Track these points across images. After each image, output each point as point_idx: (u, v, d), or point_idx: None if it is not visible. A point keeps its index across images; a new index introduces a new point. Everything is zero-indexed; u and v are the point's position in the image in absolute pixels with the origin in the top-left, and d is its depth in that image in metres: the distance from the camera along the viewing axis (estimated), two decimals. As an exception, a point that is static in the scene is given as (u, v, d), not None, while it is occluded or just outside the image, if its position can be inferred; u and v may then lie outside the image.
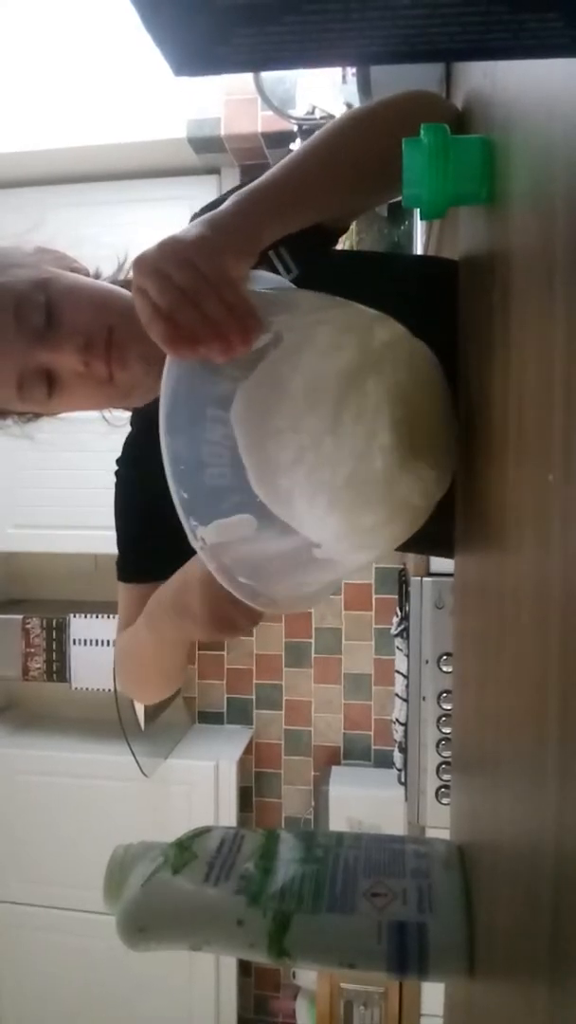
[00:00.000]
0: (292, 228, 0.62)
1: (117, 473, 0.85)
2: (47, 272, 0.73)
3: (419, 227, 1.44)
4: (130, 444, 0.85)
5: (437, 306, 0.62)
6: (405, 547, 1.20)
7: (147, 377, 0.78)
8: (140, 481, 0.83)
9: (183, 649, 0.75)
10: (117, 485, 0.85)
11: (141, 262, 0.51)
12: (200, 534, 0.44)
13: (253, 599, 0.48)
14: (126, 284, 0.86)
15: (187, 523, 0.45)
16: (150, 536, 0.80)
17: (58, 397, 0.72)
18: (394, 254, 1.60)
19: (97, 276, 0.85)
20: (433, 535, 0.55)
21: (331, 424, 0.45)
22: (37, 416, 0.82)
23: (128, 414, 0.88)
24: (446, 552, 0.66)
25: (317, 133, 0.65)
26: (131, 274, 0.88)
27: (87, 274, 0.82)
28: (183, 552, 0.60)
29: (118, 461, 0.86)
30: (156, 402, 0.79)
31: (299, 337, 0.48)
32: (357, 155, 0.66)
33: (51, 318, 0.69)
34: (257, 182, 0.60)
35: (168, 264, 0.50)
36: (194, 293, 0.49)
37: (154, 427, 0.82)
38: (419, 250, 1.42)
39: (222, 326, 0.48)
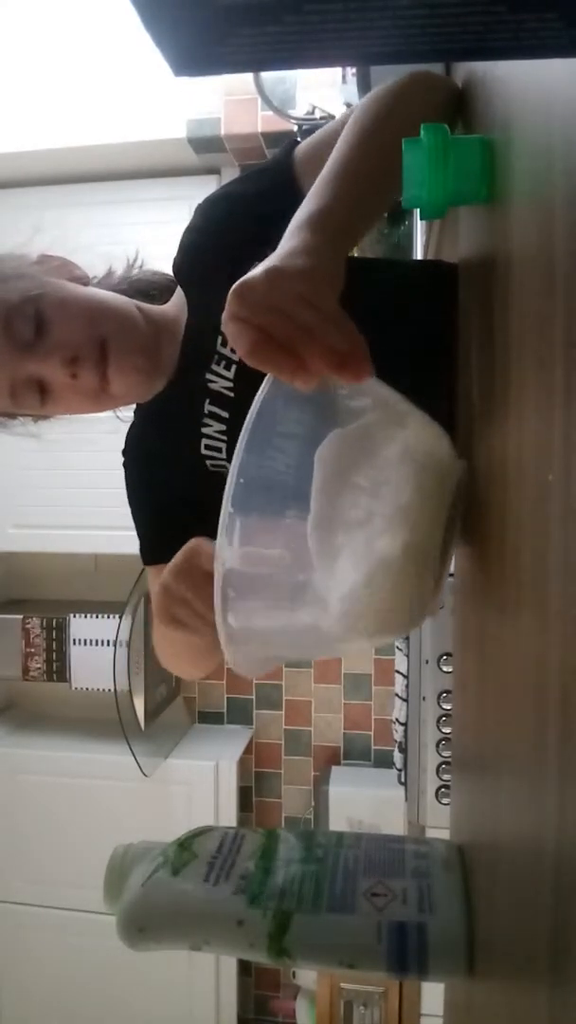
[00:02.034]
0: (357, 243, 0.61)
1: (125, 465, 0.88)
2: (42, 285, 0.74)
3: (419, 227, 1.44)
4: (134, 435, 0.88)
5: (437, 311, 0.63)
6: None
7: (147, 385, 0.79)
8: (147, 469, 0.86)
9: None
10: (126, 476, 0.88)
11: (251, 296, 0.46)
12: (226, 554, 0.43)
13: (224, 619, 0.47)
14: (136, 283, 0.87)
15: (224, 536, 0.43)
16: (163, 519, 0.83)
17: (51, 404, 0.75)
18: (394, 260, 1.60)
19: (110, 275, 0.86)
20: None
21: (406, 506, 0.45)
22: (46, 416, 0.83)
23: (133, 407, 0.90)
24: None
25: (349, 136, 0.62)
26: (137, 271, 0.88)
27: (88, 282, 0.83)
28: (195, 531, 0.62)
29: (124, 452, 0.88)
30: (166, 397, 0.81)
31: (397, 413, 0.47)
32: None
33: (40, 330, 0.71)
34: (323, 200, 0.56)
35: (286, 302, 0.45)
36: (321, 335, 0.44)
37: (155, 418, 0.84)
38: (419, 250, 1.42)
39: (348, 356, 0.44)
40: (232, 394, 0.77)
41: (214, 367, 0.76)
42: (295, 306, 0.45)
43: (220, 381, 0.76)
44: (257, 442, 0.43)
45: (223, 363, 0.76)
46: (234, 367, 0.76)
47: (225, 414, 0.77)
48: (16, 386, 0.73)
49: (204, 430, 0.78)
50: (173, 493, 0.84)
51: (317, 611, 0.45)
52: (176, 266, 0.82)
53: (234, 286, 0.46)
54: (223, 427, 0.78)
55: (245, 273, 0.47)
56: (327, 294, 0.47)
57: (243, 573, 0.44)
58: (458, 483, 0.47)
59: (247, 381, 0.74)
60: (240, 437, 0.42)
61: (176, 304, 0.83)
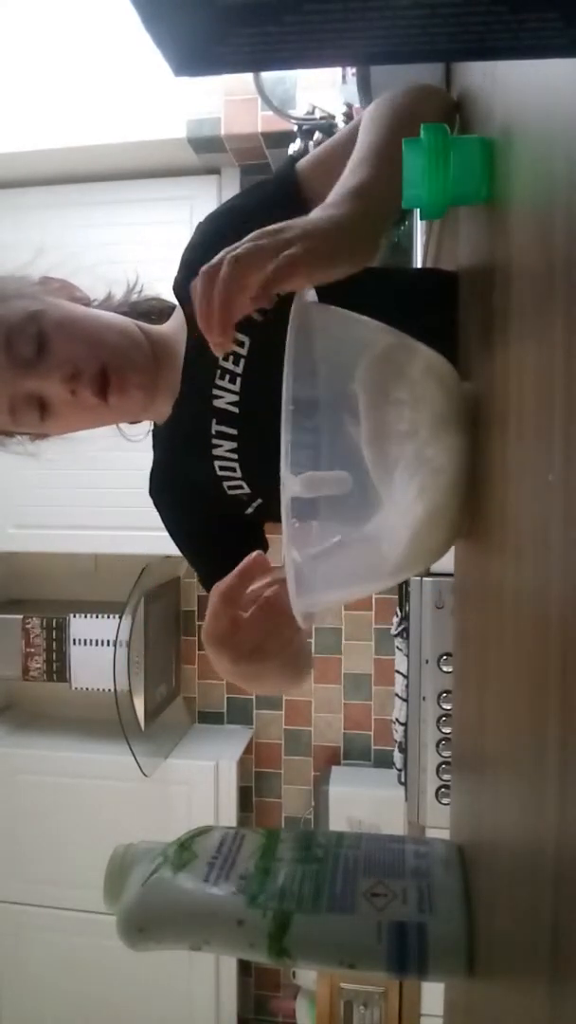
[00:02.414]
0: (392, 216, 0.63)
1: (156, 505, 0.88)
2: (43, 304, 0.75)
3: (419, 227, 1.44)
4: (156, 472, 0.87)
5: (438, 319, 0.62)
6: None
7: (147, 403, 0.79)
8: (176, 502, 0.86)
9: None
10: (161, 515, 0.88)
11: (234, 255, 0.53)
12: (289, 483, 0.44)
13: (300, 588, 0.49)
14: (137, 305, 0.87)
15: (285, 468, 0.45)
16: (211, 547, 0.83)
17: (51, 421, 0.75)
18: (393, 269, 1.61)
19: (110, 298, 0.86)
20: None
21: (442, 414, 0.46)
22: (44, 435, 0.84)
23: (142, 428, 0.89)
24: None
25: (372, 126, 0.64)
26: (137, 295, 0.89)
27: (89, 303, 0.83)
28: (244, 547, 0.62)
29: (151, 492, 0.88)
30: (175, 423, 0.81)
31: (404, 339, 0.50)
32: None
33: (41, 348, 0.72)
34: (360, 176, 0.59)
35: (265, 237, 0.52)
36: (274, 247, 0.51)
37: (169, 446, 0.84)
38: (419, 250, 1.42)
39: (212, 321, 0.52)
40: (237, 410, 0.76)
41: (219, 382, 0.76)
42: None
43: (226, 396, 0.76)
44: (301, 367, 0.44)
45: (227, 377, 0.76)
46: (239, 380, 0.76)
47: (233, 431, 0.77)
48: (16, 403, 0.73)
49: (215, 451, 0.78)
50: (208, 519, 0.84)
51: (380, 530, 0.47)
52: (176, 284, 0.83)
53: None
54: (233, 445, 0.77)
55: None
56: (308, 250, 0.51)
57: (306, 501, 0.46)
58: (467, 399, 0.48)
59: (253, 393, 0.74)
60: (284, 367, 0.42)
61: (176, 323, 0.84)
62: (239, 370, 0.76)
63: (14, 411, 0.74)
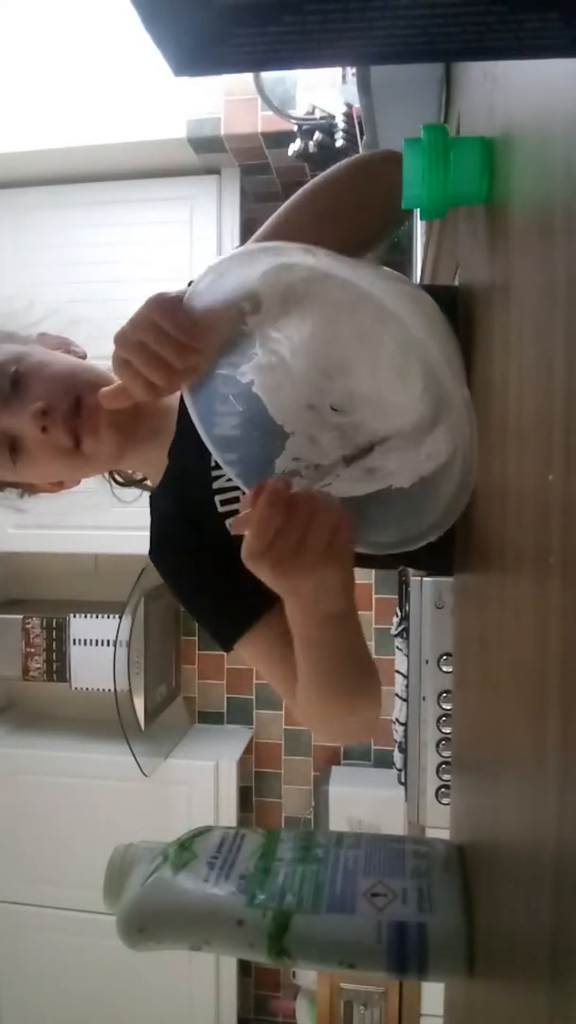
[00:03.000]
0: None
1: (160, 570, 0.82)
2: (29, 349, 0.75)
3: (419, 227, 1.44)
4: (157, 532, 0.82)
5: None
6: (403, 561, 1.17)
7: (122, 446, 0.75)
8: (180, 555, 0.80)
9: (343, 633, 0.65)
10: (165, 574, 0.81)
11: (119, 337, 0.59)
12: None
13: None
14: None
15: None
16: (222, 595, 0.76)
17: (24, 463, 0.73)
18: None
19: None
20: (434, 553, 0.55)
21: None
22: (31, 491, 0.83)
23: (136, 492, 0.88)
24: (444, 569, 0.66)
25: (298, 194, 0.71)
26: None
27: (85, 357, 0.82)
28: (259, 584, 0.58)
29: (151, 554, 0.82)
30: (171, 471, 0.78)
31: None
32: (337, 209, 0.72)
33: (16, 386, 0.71)
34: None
35: (142, 332, 0.58)
36: (164, 353, 0.57)
37: (168, 496, 0.80)
38: (419, 250, 1.42)
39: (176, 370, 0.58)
40: (238, 432, 0.70)
41: (219, 408, 0.73)
42: (147, 334, 0.57)
43: (228, 420, 0.70)
44: None
45: (228, 421, 0.73)
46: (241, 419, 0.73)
47: (234, 456, 0.71)
48: None
49: (216, 484, 0.74)
50: (214, 571, 0.76)
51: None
52: None
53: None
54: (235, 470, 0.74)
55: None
56: (176, 315, 0.57)
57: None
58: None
59: (257, 428, 0.72)
60: None
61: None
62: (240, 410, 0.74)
63: None
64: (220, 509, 0.73)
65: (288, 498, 0.51)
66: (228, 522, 0.71)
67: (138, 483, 0.90)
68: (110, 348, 0.83)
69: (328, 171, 0.73)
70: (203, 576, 0.77)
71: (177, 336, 0.56)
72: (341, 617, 0.59)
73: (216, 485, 0.74)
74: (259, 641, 0.74)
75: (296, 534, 0.50)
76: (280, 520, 0.50)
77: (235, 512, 0.70)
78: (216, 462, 0.72)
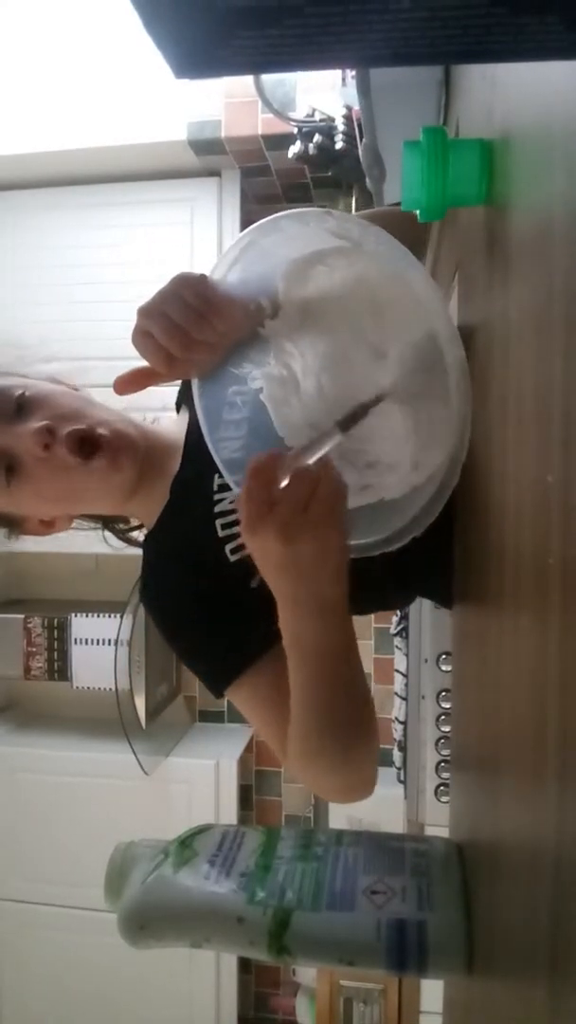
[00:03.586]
0: None
1: (149, 611, 0.78)
2: (39, 382, 0.74)
3: (419, 227, 1.44)
4: (152, 569, 0.79)
5: None
6: (402, 600, 1.14)
7: (132, 485, 0.74)
8: (178, 594, 0.75)
9: (339, 660, 0.60)
10: (157, 616, 0.77)
11: (142, 309, 0.59)
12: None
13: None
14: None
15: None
16: (220, 629, 0.72)
17: (18, 484, 0.71)
18: None
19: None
20: (434, 583, 0.55)
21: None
22: (21, 531, 0.82)
23: (126, 536, 0.87)
24: (445, 602, 0.65)
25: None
26: (156, 420, 0.86)
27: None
28: (253, 616, 0.58)
29: (142, 595, 0.79)
30: (168, 518, 0.76)
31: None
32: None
33: (21, 409, 0.70)
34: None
35: (164, 303, 0.58)
36: (183, 321, 0.57)
37: (167, 533, 0.77)
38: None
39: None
40: (241, 455, 0.68)
41: (223, 434, 0.69)
42: (171, 306, 0.57)
43: (230, 444, 0.68)
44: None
45: (232, 427, 0.68)
46: (245, 425, 0.68)
47: (236, 478, 0.68)
48: None
49: (217, 508, 0.71)
50: (209, 607, 0.72)
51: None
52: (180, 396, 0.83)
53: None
54: (237, 491, 0.68)
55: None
56: (200, 288, 0.58)
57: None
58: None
59: (261, 431, 0.70)
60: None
61: (177, 425, 0.80)
62: (243, 415, 0.73)
63: None
64: (221, 533, 0.70)
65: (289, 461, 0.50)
66: (231, 502, 0.70)
67: (132, 540, 0.88)
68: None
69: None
70: (198, 617, 0.73)
71: (197, 305, 0.57)
72: (338, 610, 0.55)
73: (218, 508, 0.71)
74: (253, 687, 0.69)
75: (304, 490, 0.48)
76: (283, 480, 0.49)
77: (236, 536, 0.69)
78: (219, 486, 0.71)
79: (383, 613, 2.26)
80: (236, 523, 0.69)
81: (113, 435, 0.72)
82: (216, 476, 0.69)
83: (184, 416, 0.80)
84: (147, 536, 0.80)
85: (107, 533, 0.89)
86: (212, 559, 0.70)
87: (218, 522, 0.71)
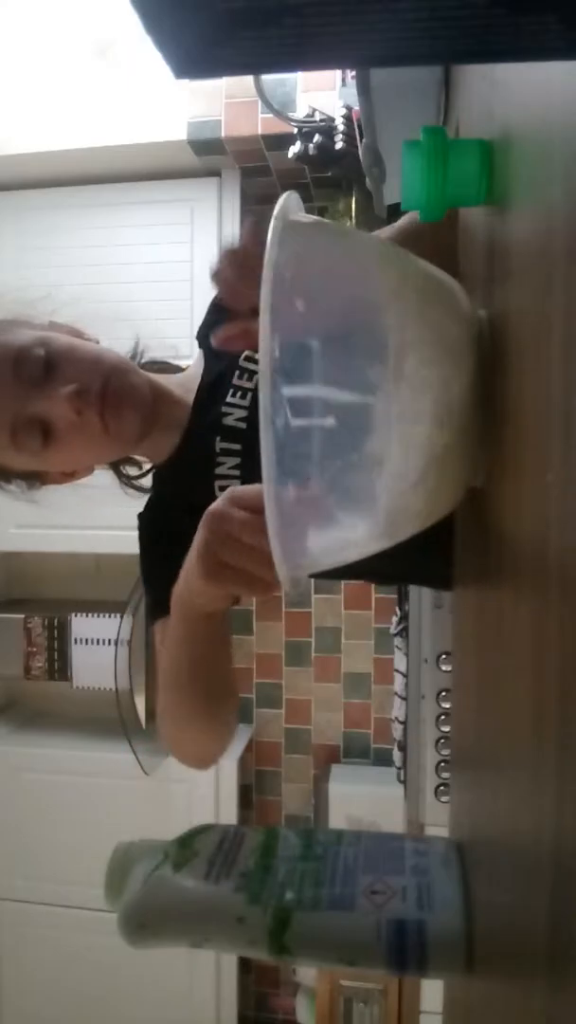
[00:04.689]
0: None
1: (140, 527, 0.85)
2: (51, 334, 0.75)
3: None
4: (153, 505, 0.85)
5: None
6: (403, 578, 1.16)
7: (143, 431, 0.78)
8: (166, 525, 0.80)
9: (214, 644, 0.65)
10: (144, 533, 0.84)
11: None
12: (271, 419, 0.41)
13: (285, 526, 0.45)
14: (141, 367, 0.87)
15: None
16: (177, 564, 0.73)
17: (53, 448, 0.73)
18: None
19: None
20: (431, 567, 0.55)
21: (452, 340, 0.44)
22: (42, 482, 0.83)
23: (145, 483, 0.88)
24: (443, 584, 0.66)
25: None
26: (143, 355, 0.89)
27: (98, 343, 0.83)
28: None
29: (140, 516, 0.86)
30: (178, 454, 0.80)
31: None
32: None
33: (48, 371, 0.71)
34: None
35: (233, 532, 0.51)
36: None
37: (171, 475, 0.82)
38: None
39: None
40: (244, 425, 0.75)
41: (230, 399, 0.76)
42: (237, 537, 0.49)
43: (235, 412, 0.76)
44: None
45: (239, 393, 0.76)
46: (250, 395, 0.76)
47: (237, 447, 0.76)
48: (18, 425, 0.72)
49: (218, 470, 0.76)
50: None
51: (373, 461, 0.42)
52: (201, 328, 0.85)
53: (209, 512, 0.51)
54: (237, 460, 0.76)
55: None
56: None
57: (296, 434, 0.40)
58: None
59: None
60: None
61: (192, 369, 0.84)
62: (251, 385, 0.76)
63: (15, 434, 0.72)
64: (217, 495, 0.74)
65: None
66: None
67: (136, 487, 0.91)
68: (119, 338, 0.85)
69: None
70: (171, 553, 0.73)
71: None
72: (216, 617, 0.61)
73: (218, 471, 0.76)
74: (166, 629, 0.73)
75: (242, 539, 0.49)
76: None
77: None
78: (221, 449, 0.75)
79: (383, 613, 2.26)
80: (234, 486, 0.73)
81: (121, 385, 0.74)
82: (218, 440, 0.75)
83: (201, 362, 0.83)
84: (157, 472, 0.86)
85: (126, 486, 0.91)
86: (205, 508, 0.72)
87: (216, 484, 0.75)
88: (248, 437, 0.75)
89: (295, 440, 0.38)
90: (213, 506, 0.52)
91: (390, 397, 0.38)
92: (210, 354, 0.83)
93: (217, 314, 0.84)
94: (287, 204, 0.39)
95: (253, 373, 0.77)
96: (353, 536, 0.47)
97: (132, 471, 0.90)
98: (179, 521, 0.74)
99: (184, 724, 0.72)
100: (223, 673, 0.69)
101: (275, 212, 0.38)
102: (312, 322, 0.39)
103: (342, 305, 0.40)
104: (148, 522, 0.84)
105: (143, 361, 0.88)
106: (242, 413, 0.75)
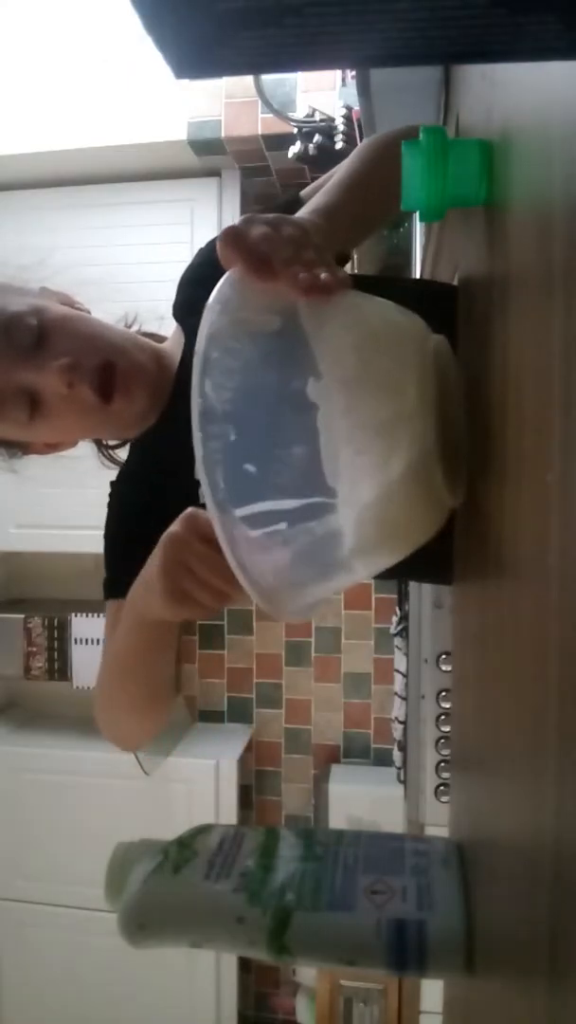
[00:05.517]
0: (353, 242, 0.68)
1: (111, 494, 0.83)
2: (45, 303, 0.73)
3: (418, 229, 1.44)
4: (127, 469, 0.84)
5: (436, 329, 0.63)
6: (402, 573, 1.17)
7: (148, 410, 0.76)
8: (139, 500, 0.80)
9: (163, 649, 0.67)
10: (111, 501, 0.83)
11: (251, 223, 0.49)
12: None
13: (268, 603, 0.45)
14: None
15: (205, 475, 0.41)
16: (141, 550, 0.72)
17: (40, 420, 0.71)
18: (392, 277, 1.60)
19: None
20: (431, 562, 0.54)
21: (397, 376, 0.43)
22: (24, 451, 0.81)
23: (123, 454, 0.87)
24: (444, 579, 0.65)
25: (355, 158, 0.71)
26: (140, 327, 0.87)
27: (88, 313, 0.82)
28: None
29: (112, 483, 0.84)
30: (152, 435, 0.79)
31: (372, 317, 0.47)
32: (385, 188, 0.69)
33: (41, 341, 0.69)
34: (329, 197, 0.64)
35: (279, 225, 0.50)
36: (300, 247, 0.48)
37: (150, 452, 0.81)
38: (418, 251, 1.42)
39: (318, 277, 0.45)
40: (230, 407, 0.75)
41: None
42: (286, 227, 0.49)
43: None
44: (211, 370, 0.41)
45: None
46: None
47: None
48: (5, 395, 0.69)
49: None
50: (158, 526, 0.74)
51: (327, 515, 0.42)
52: (175, 305, 0.82)
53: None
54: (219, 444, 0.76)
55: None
56: (317, 244, 0.51)
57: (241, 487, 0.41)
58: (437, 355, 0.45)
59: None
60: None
61: (172, 343, 0.82)
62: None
63: (2, 404, 0.69)
64: (195, 477, 0.74)
65: None
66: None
67: (122, 443, 0.89)
68: (112, 309, 0.83)
69: (375, 150, 0.73)
70: (138, 530, 0.72)
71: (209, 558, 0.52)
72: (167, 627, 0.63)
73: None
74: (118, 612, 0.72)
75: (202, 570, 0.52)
76: None
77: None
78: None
79: (383, 613, 2.26)
80: None
81: (129, 366, 0.72)
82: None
83: (179, 337, 0.81)
84: (132, 444, 0.83)
85: (105, 457, 0.90)
86: (185, 489, 0.70)
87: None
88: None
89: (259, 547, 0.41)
90: (173, 530, 0.54)
91: (334, 488, 0.40)
92: (189, 330, 0.82)
93: (188, 290, 0.82)
94: (214, 327, 0.41)
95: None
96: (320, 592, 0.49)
97: (112, 441, 0.89)
98: (152, 495, 0.75)
99: (119, 709, 0.73)
100: (166, 672, 0.71)
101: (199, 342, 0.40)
102: (246, 445, 0.42)
103: (270, 418, 0.42)
104: (119, 497, 0.82)
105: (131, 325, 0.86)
106: (227, 395, 0.74)
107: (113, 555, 0.79)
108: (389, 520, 0.43)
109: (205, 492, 0.40)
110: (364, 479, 0.41)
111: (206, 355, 0.40)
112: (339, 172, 0.70)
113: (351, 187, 0.67)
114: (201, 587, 0.52)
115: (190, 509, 0.55)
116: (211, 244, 0.81)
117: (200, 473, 0.39)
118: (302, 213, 0.61)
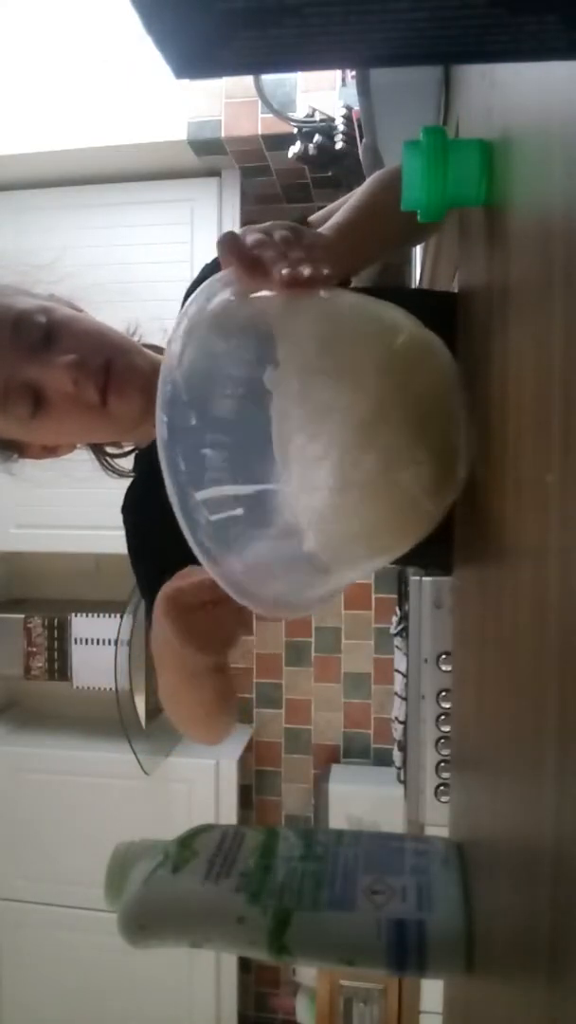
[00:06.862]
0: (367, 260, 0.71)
1: (125, 522, 0.85)
2: (52, 304, 0.74)
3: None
4: (132, 489, 0.85)
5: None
6: (403, 560, 1.16)
7: (145, 412, 0.75)
8: (149, 522, 0.77)
9: (202, 674, 0.65)
10: (127, 532, 0.84)
11: (250, 228, 0.54)
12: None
13: (243, 596, 0.44)
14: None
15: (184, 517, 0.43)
16: (170, 569, 0.72)
17: (42, 418, 0.71)
18: (394, 287, 1.60)
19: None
20: (432, 552, 0.54)
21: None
22: (20, 454, 0.81)
23: (126, 465, 0.88)
24: (443, 570, 0.65)
25: (362, 194, 0.74)
26: (141, 338, 0.87)
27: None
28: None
29: (123, 509, 0.85)
30: (152, 447, 0.79)
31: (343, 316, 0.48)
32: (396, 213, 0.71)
33: (48, 338, 0.70)
34: (345, 216, 0.68)
35: (274, 229, 0.54)
36: (290, 247, 0.52)
37: (156, 469, 0.80)
38: (418, 252, 1.42)
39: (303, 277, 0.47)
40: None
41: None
42: (280, 232, 0.52)
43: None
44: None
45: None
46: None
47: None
48: (10, 389, 0.70)
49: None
50: (175, 542, 0.73)
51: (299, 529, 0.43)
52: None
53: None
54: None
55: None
56: (311, 244, 0.54)
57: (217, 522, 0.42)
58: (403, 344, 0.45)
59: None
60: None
61: None
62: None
63: (6, 399, 0.70)
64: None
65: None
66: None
67: (117, 468, 0.90)
68: (112, 310, 0.83)
69: (384, 182, 0.75)
70: (163, 543, 0.72)
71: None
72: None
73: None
74: None
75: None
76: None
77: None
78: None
79: (383, 613, 2.26)
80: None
81: (125, 366, 0.72)
82: None
83: None
84: (137, 456, 0.84)
85: (106, 464, 0.91)
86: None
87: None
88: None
89: (219, 530, 0.42)
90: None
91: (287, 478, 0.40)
92: None
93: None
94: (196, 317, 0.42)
95: None
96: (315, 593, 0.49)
97: (112, 450, 0.89)
98: (164, 514, 0.73)
99: (181, 723, 0.73)
100: (217, 688, 0.68)
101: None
102: (204, 430, 0.43)
103: (229, 405, 0.44)
104: (135, 528, 0.83)
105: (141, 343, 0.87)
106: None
107: (147, 579, 0.81)
108: (346, 515, 0.43)
109: (165, 473, 0.40)
110: (315, 468, 0.41)
111: (183, 343, 0.41)
112: (349, 199, 0.72)
113: (360, 208, 0.69)
114: (209, 639, 0.53)
115: (185, 569, 0.56)
116: (214, 260, 0.81)
117: (161, 455, 0.40)
118: (324, 227, 0.64)
